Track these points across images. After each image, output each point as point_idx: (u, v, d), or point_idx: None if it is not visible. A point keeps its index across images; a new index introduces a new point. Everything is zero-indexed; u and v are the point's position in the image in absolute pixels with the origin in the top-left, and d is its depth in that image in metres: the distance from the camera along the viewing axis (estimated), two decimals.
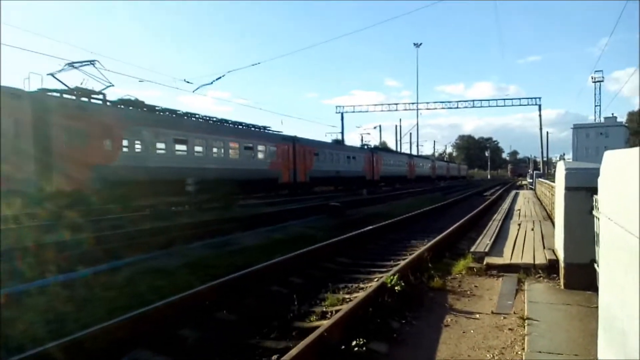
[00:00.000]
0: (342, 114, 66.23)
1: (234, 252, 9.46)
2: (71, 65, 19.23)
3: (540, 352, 4.04)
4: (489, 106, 64.40)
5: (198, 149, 24.28)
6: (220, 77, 24.65)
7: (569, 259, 6.13)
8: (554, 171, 9.34)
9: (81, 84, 19.33)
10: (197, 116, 26.28)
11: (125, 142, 20.44)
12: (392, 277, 6.27)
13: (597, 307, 2.80)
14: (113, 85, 21.03)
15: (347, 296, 6.49)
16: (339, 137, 62.17)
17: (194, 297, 5.74)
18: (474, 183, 75.12)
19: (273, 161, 31.01)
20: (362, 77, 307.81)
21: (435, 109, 68.55)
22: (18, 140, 16.01)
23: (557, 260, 6.92)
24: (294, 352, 3.86)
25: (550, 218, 13.10)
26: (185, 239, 11.16)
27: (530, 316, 5.00)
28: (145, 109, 22.61)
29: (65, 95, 18.88)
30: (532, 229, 11.13)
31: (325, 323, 4.73)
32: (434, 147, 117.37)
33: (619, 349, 2.11)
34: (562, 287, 6.23)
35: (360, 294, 6.02)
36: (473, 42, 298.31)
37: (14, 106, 15.84)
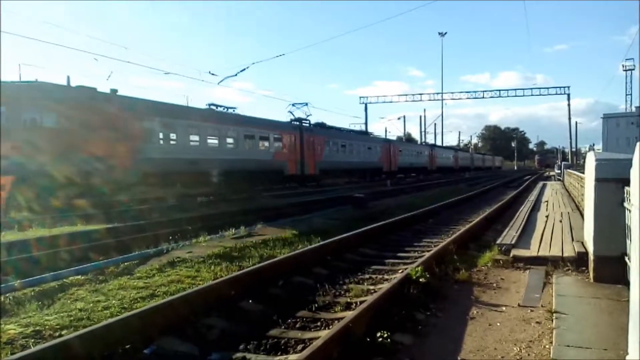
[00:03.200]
0: (365, 104, 65.84)
1: (257, 243, 9.54)
2: (293, 105, 37.41)
3: (568, 345, 3.99)
4: (516, 96, 63.27)
5: (349, 149, 41.39)
6: (244, 69, 24.90)
7: (599, 251, 6.01)
8: (583, 162, 9.15)
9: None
10: (342, 129, 44.63)
11: (326, 148, 36.98)
12: (416, 269, 6.25)
13: (627, 300, 2.75)
14: (311, 115, 38.46)
15: (371, 287, 6.49)
16: (363, 127, 61.99)
17: (220, 286, 5.83)
18: (501, 174, 74.47)
19: (380, 156, 47.45)
20: (385, 67, 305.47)
21: (460, 99, 67.45)
22: (296, 149, 32.30)
23: (586, 253, 6.78)
24: (318, 342, 3.89)
25: (579, 210, 12.85)
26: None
27: (559, 309, 4.93)
28: (326, 127, 40.02)
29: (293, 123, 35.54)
30: (561, 221, 10.94)
31: (350, 314, 4.74)
32: (459, 137, 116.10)
33: None
34: (592, 280, 6.12)
35: (385, 286, 6.02)
36: (499, 31, 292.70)
37: (293, 132, 32.57)
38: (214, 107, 27.07)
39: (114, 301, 5.78)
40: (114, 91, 20.17)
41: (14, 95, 16.73)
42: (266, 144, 29.20)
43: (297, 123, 34.91)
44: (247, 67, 24.99)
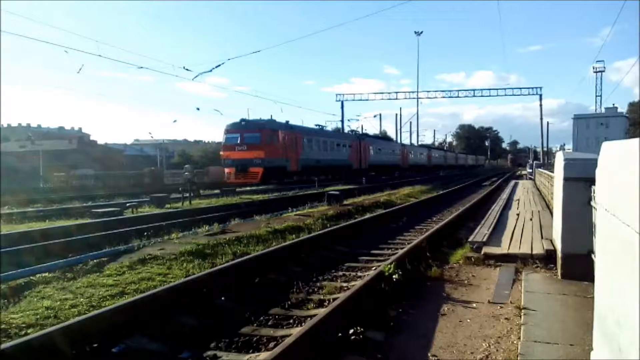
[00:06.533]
0: (342, 102, 65.80)
1: (231, 240, 9.45)
2: (349, 120, 57.00)
3: (536, 341, 4.06)
4: (490, 95, 63.67)
5: (384, 152, 55.94)
6: (219, 65, 24.58)
7: (567, 249, 6.14)
8: (554, 161, 9.32)
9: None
10: (379, 136, 64.01)
11: (371, 151, 51.20)
12: (389, 266, 6.29)
13: (593, 297, 2.81)
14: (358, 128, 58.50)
15: (344, 284, 6.51)
16: (339, 125, 62.11)
17: (191, 284, 5.77)
18: (476, 172, 76.01)
19: (399, 157, 60.91)
20: (361, 64, 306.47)
21: (436, 97, 67.87)
22: (357, 152, 47.00)
23: (554, 251, 6.92)
24: (290, 340, 3.87)
25: (549, 208, 13.10)
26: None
27: (527, 306, 5.02)
28: (370, 136, 56.68)
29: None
30: (531, 219, 11.14)
31: (323, 311, 4.74)
32: (434, 136, 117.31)
33: (614, 339, 2.12)
34: (559, 277, 6.25)
35: (358, 283, 6.03)
36: (474, 31, 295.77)
37: (356, 141, 47.39)
38: (317, 126, 45.04)
39: (82, 299, 5.66)
40: (287, 121, 36.33)
41: (263, 126, 33.00)
42: (344, 149, 45.11)
43: (354, 133, 52.89)
44: (223, 63, 24.90)
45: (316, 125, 44.78)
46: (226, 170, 33.19)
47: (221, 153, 34.59)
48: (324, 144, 41.48)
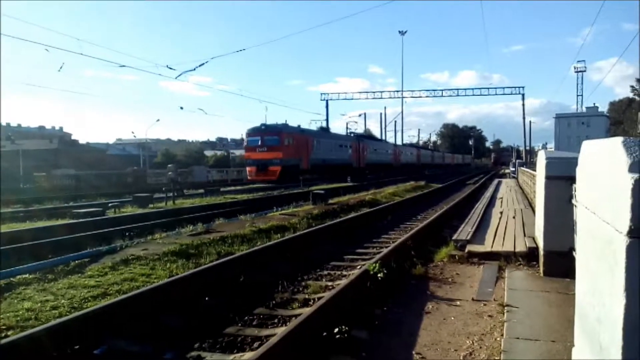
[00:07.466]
0: (327, 101, 65.85)
1: (215, 240, 9.40)
2: (347, 123, 64.32)
3: (518, 338, 4.10)
4: (473, 95, 64.57)
5: (378, 152, 60.62)
6: (203, 64, 24.33)
7: (549, 246, 6.20)
8: (536, 160, 9.42)
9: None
10: (374, 137, 71.71)
11: (368, 152, 54.98)
12: (374, 265, 6.30)
13: (574, 294, 2.84)
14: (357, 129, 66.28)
15: (329, 284, 6.51)
16: (324, 124, 62.18)
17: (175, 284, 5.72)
18: (459, 171, 76.88)
19: (391, 156, 65.91)
20: (346, 63, 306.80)
21: (420, 97, 69.17)
22: (356, 152, 51.91)
23: (537, 248, 6.99)
24: (275, 339, 3.86)
25: (531, 206, 13.24)
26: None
27: (510, 303, 5.06)
28: (367, 137, 64.16)
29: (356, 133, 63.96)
30: (514, 217, 11.25)
31: (308, 310, 4.73)
32: (418, 135, 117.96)
33: (594, 335, 2.15)
34: (542, 274, 6.31)
35: (343, 282, 6.04)
36: (458, 31, 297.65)
37: (355, 142, 52.62)
38: (321, 129, 51.12)
39: (63, 300, 5.58)
40: (299, 126, 42.85)
41: (281, 130, 37.70)
42: (346, 149, 49.81)
43: (354, 135, 57.90)
44: (206, 62, 24.63)
45: (320, 127, 52.24)
46: (248, 169, 38.59)
47: (243, 153, 41.11)
48: (330, 145, 46.35)
